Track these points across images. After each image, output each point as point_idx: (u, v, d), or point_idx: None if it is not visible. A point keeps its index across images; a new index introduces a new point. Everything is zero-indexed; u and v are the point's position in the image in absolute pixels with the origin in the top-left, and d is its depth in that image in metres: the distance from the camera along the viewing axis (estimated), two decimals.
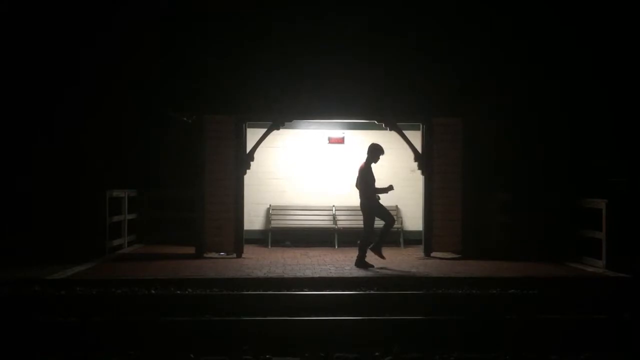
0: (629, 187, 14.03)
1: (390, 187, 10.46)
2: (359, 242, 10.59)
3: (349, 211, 13.56)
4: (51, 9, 15.28)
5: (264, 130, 11.76)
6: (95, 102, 15.14)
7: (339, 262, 10.78)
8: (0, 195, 13.33)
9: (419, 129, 12.01)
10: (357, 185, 10.65)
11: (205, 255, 11.49)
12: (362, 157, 13.74)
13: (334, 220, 13.49)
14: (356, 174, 10.62)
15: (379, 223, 10.46)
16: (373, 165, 10.60)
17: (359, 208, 10.55)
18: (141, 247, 13.11)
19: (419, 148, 11.82)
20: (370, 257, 10.42)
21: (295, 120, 12.14)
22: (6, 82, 14.80)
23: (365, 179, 10.43)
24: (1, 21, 14.96)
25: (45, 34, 15.16)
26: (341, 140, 13.96)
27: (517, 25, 15.34)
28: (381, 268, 10.17)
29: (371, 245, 10.42)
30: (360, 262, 10.31)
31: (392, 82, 11.95)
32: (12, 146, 14.73)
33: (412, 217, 13.43)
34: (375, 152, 10.58)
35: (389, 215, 10.56)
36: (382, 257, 10.47)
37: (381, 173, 13.52)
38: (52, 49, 15.13)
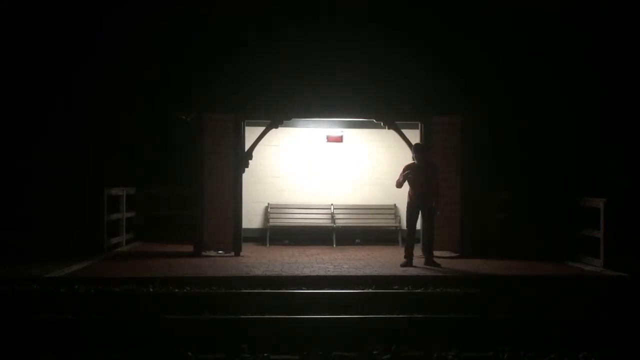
0: (630, 186, 14.02)
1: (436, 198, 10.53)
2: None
3: (347, 210, 13.56)
4: (50, 9, 15.27)
5: (262, 129, 11.76)
6: (94, 101, 15.14)
7: (337, 261, 10.79)
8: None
9: (417, 128, 12.00)
10: (399, 184, 10.60)
11: (203, 253, 11.49)
12: (360, 155, 13.91)
13: (332, 218, 13.48)
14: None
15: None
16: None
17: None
18: (139, 245, 13.10)
19: None
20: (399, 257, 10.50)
21: (293, 119, 12.13)
22: (7, 81, 14.79)
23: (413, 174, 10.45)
24: (1, 20, 14.94)
25: (44, 34, 15.15)
26: (339, 139, 13.95)
27: (517, 23, 15.32)
28: (380, 266, 10.18)
29: (424, 262, 10.41)
30: (429, 261, 10.37)
31: (391, 80, 11.92)
32: (11, 146, 14.71)
33: None
34: (423, 151, 10.73)
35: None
36: (438, 265, 10.31)
37: (380, 172, 13.60)
38: (52, 49, 15.11)
